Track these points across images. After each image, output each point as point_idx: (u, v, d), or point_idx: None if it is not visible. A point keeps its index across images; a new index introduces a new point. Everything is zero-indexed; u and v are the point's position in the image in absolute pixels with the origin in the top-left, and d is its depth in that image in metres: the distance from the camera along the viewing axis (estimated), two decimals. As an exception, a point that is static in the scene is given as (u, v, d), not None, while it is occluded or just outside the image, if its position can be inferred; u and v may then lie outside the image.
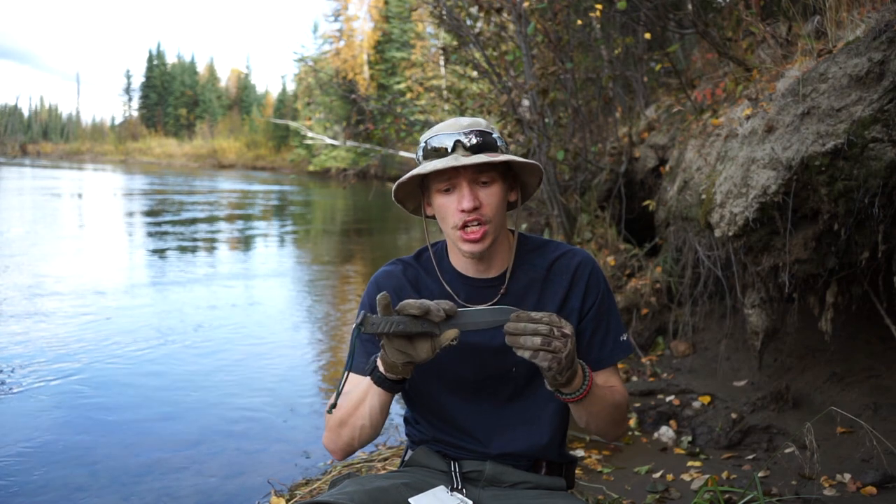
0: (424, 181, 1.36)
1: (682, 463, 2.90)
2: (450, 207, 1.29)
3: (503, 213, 1.33)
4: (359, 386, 1.29)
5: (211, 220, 14.26)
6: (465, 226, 1.28)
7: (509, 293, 1.38)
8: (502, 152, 1.30)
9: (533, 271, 1.39)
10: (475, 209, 1.27)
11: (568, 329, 1.15)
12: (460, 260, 1.39)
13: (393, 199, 1.38)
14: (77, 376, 4.21)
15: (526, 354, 1.13)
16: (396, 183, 1.33)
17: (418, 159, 1.33)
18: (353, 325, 1.14)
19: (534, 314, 1.14)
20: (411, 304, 1.12)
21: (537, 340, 1.12)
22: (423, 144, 1.33)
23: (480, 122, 1.32)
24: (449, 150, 1.27)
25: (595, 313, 1.39)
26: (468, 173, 1.27)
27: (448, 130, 1.30)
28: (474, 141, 1.27)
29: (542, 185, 1.44)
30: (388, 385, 1.24)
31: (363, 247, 11.24)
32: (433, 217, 1.39)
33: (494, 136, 1.30)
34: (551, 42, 5.33)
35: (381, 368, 1.22)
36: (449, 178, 1.28)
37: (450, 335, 1.14)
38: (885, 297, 2.93)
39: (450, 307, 1.14)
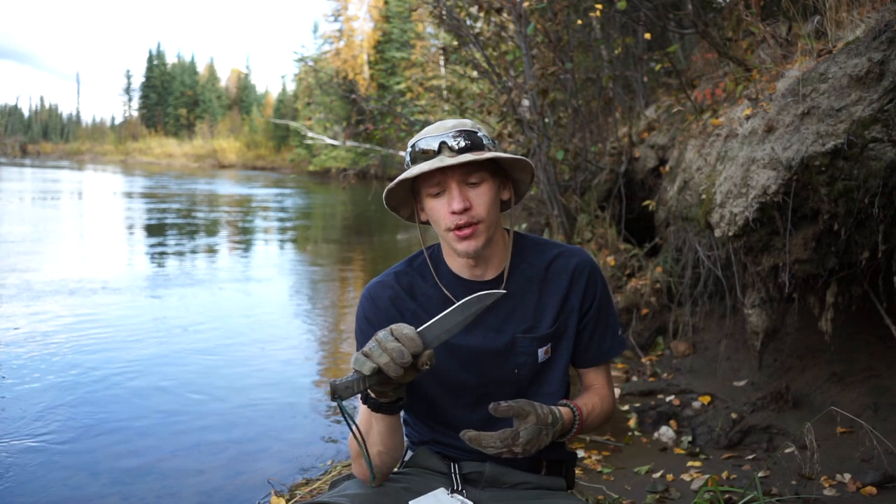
0: (415, 185, 1.35)
1: (682, 463, 2.90)
2: (441, 210, 1.29)
3: (496, 212, 1.33)
4: (362, 415, 1.28)
5: (210, 222, 14.26)
6: (457, 227, 1.28)
7: (507, 293, 1.37)
8: (489, 150, 1.29)
9: (531, 270, 1.39)
10: (465, 210, 1.26)
11: (520, 448, 1.21)
12: (456, 262, 1.38)
13: (385, 206, 1.37)
14: (76, 377, 4.21)
15: None
16: (385, 191, 1.32)
17: (407, 164, 1.33)
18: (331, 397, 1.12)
19: (485, 440, 1.20)
20: (369, 365, 1.10)
21: (489, 450, 1.22)
22: (410, 148, 1.32)
23: (466, 123, 1.31)
24: (435, 152, 1.27)
25: (595, 312, 1.40)
26: (456, 175, 1.27)
27: (434, 133, 1.29)
28: (460, 142, 1.26)
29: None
30: (386, 408, 1.24)
31: (363, 247, 11.24)
32: (427, 223, 1.39)
33: (480, 134, 1.29)
34: (551, 42, 5.33)
35: (374, 395, 1.22)
36: (438, 181, 1.28)
37: (423, 360, 1.12)
38: (885, 297, 2.93)
39: (413, 346, 1.10)
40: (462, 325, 1.16)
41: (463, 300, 1.17)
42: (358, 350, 1.41)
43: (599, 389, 1.42)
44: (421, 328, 1.14)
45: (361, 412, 1.29)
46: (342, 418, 1.19)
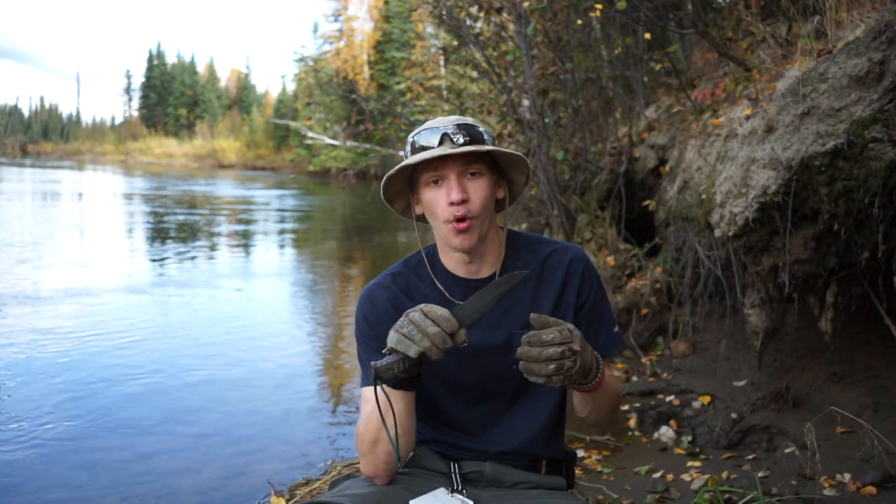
0: (413, 177, 1.36)
1: (682, 463, 2.90)
2: (439, 201, 1.30)
3: (491, 208, 1.34)
4: (372, 402, 1.27)
5: (211, 224, 14.27)
6: (454, 220, 1.28)
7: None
8: (490, 145, 1.31)
9: (526, 267, 1.39)
10: (464, 202, 1.27)
11: (577, 344, 1.16)
12: (452, 260, 1.39)
13: (381, 197, 1.37)
14: (76, 377, 4.21)
15: (539, 380, 1.15)
16: (385, 177, 1.33)
17: (406, 156, 1.33)
18: (372, 379, 1.16)
19: (545, 335, 1.14)
20: (415, 349, 1.13)
21: (551, 368, 1.14)
22: (410, 141, 1.33)
23: (467, 119, 1.33)
24: (437, 145, 1.28)
25: (590, 307, 1.41)
26: (456, 165, 1.28)
27: (435, 125, 1.31)
28: (462, 133, 1.28)
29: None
30: (405, 384, 1.24)
31: (363, 247, 11.24)
32: (422, 217, 1.39)
33: (480, 129, 1.31)
34: (551, 42, 5.33)
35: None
36: (437, 169, 1.28)
37: (460, 338, 1.15)
38: (885, 297, 2.93)
39: (451, 327, 1.13)
40: (492, 303, 1.20)
41: (492, 282, 1.21)
42: (359, 350, 1.42)
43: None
44: (454, 309, 1.17)
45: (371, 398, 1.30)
46: (379, 402, 1.21)
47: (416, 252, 1.45)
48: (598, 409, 1.35)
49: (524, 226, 6.33)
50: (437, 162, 1.28)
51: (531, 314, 1.18)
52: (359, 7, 37.63)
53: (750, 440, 3.05)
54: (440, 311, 1.14)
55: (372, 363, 1.15)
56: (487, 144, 1.30)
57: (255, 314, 6.22)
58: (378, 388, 1.18)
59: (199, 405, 3.87)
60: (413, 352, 1.13)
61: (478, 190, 1.29)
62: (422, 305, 1.16)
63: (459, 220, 1.28)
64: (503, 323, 1.37)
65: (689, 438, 3.15)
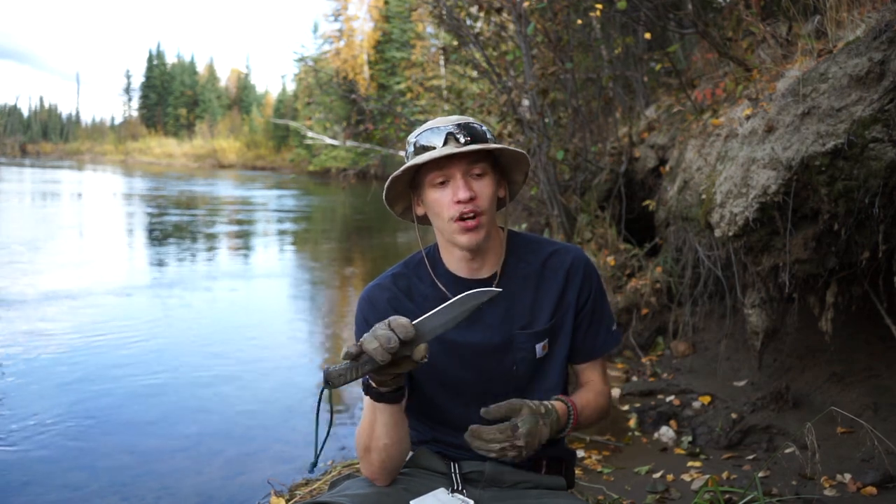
0: (415, 178, 1.35)
1: (683, 463, 2.90)
2: (444, 201, 1.29)
3: (495, 207, 1.35)
4: (366, 408, 1.29)
5: (209, 223, 14.27)
6: (461, 218, 1.28)
7: (504, 291, 1.37)
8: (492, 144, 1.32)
9: (527, 268, 1.40)
10: (471, 200, 1.27)
11: (522, 440, 1.21)
12: (454, 260, 1.39)
13: (383, 199, 1.37)
14: (76, 377, 4.21)
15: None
16: (390, 178, 1.32)
17: (407, 158, 1.33)
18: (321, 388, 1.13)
19: (486, 434, 1.21)
20: (345, 350, 1.12)
21: (492, 456, 1.23)
22: (412, 142, 1.33)
23: (467, 118, 1.33)
24: (441, 145, 1.27)
25: (591, 308, 1.42)
26: (462, 165, 1.28)
27: (436, 125, 1.31)
28: (465, 133, 1.28)
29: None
30: (387, 398, 1.24)
31: (362, 248, 11.24)
32: (423, 218, 1.39)
33: (482, 128, 1.32)
34: (551, 42, 5.33)
35: (375, 384, 1.22)
36: (442, 168, 1.28)
37: (419, 353, 1.13)
38: (885, 297, 2.92)
39: (405, 333, 1.11)
40: (457, 320, 1.17)
41: (459, 296, 1.18)
42: (322, 391, 1.42)
43: (594, 385, 1.44)
44: (416, 321, 1.15)
45: (365, 404, 1.29)
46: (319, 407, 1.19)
47: (417, 252, 1.45)
48: (583, 425, 1.40)
49: (524, 226, 6.32)
50: (442, 161, 1.28)
51: (481, 409, 1.23)
52: (359, 7, 37.63)
53: (750, 440, 3.05)
54: (401, 320, 1.13)
55: (325, 367, 1.13)
56: (491, 143, 1.30)
57: (254, 315, 6.22)
58: (322, 391, 1.15)
59: (199, 405, 3.87)
60: (343, 352, 1.11)
61: (483, 188, 1.30)
62: (388, 318, 1.15)
63: (468, 217, 1.28)
64: (503, 323, 1.37)
65: (689, 438, 3.15)
